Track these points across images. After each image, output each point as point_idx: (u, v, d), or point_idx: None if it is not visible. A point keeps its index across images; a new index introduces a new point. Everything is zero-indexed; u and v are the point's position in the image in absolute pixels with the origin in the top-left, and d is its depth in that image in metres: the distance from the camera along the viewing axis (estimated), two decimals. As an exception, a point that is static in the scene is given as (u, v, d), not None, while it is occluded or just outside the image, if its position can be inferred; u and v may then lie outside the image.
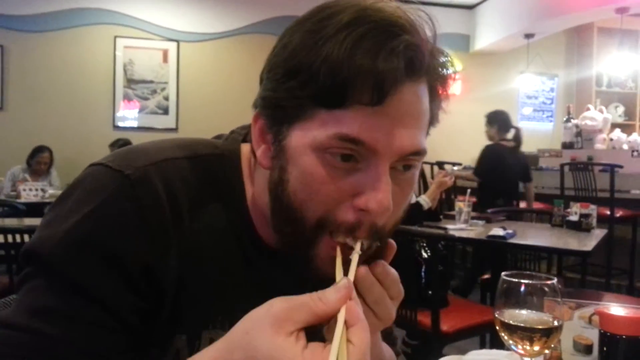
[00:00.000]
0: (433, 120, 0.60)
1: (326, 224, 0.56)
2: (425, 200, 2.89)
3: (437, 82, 0.58)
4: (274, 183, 0.58)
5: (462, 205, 2.97)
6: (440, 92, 0.59)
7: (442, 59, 0.58)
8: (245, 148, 0.67)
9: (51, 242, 0.56)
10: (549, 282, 0.69)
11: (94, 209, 0.56)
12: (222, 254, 0.63)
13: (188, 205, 0.61)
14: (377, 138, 0.53)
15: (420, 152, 0.57)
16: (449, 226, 2.83)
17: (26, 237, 2.29)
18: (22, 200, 3.98)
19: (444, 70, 0.59)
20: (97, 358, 0.54)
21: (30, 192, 4.18)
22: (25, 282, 0.56)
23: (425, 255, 2.44)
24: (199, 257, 0.61)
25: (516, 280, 0.70)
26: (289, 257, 0.61)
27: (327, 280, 0.60)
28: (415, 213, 2.78)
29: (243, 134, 0.69)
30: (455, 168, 3.63)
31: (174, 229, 0.59)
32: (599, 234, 2.83)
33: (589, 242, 2.59)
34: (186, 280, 0.60)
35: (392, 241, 0.62)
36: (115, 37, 5.79)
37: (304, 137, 0.55)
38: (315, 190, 0.55)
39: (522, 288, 0.69)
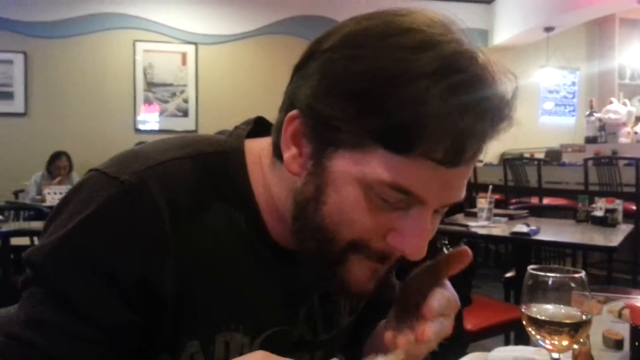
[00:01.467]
0: None
1: (357, 248, 0.55)
2: None
3: None
4: (305, 197, 0.55)
5: (484, 202, 2.93)
6: None
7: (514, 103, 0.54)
8: (250, 144, 0.64)
9: (44, 252, 0.55)
10: (576, 275, 0.68)
11: (86, 219, 0.54)
12: (231, 255, 0.60)
13: (190, 207, 0.58)
14: (430, 192, 0.52)
15: (461, 199, 0.56)
16: (471, 223, 2.80)
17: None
18: (48, 203, 4.04)
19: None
20: None
21: (55, 195, 4.26)
22: (25, 287, 0.56)
23: (447, 253, 2.41)
24: (204, 260, 0.58)
25: (543, 274, 0.68)
26: (311, 267, 0.59)
27: (351, 295, 0.60)
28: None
29: (247, 129, 0.66)
30: (479, 165, 3.59)
31: (174, 235, 0.56)
32: (625, 229, 2.76)
33: (615, 237, 2.54)
34: (192, 286, 0.58)
35: (466, 248, 0.61)
36: (135, 41, 5.87)
37: (352, 167, 0.52)
38: (352, 219, 0.53)
39: (550, 282, 0.68)
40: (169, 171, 0.58)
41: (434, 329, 0.56)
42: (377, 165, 0.50)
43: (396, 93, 0.48)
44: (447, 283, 0.62)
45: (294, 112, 0.56)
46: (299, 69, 0.57)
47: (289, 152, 0.57)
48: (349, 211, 0.53)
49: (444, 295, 0.59)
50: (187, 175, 0.59)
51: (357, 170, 0.51)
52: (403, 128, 0.49)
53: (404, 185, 0.51)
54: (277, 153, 0.59)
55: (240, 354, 0.61)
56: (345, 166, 0.52)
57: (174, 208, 0.56)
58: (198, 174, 0.60)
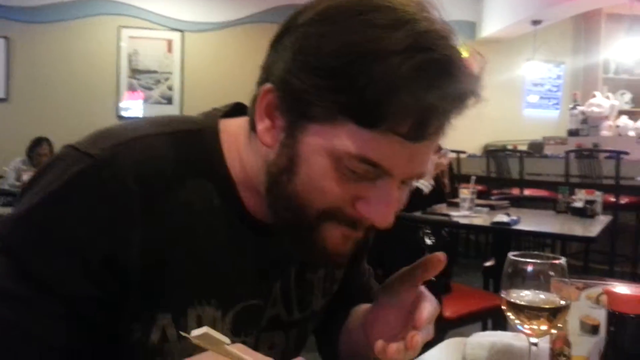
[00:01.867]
0: None
1: (328, 215, 0.57)
2: (424, 184, 2.87)
3: None
4: (278, 168, 0.57)
5: (467, 192, 2.96)
6: None
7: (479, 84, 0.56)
8: (227, 122, 0.65)
9: (11, 224, 0.55)
10: (556, 262, 0.69)
11: (54, 192, 0.54)
12: (206, 230, 0.61)
13: (163, 182, 0.58)
14: (396, 164, 0.54)
15: (425, 173, 0.59)
16: (453, 213, 2.82)
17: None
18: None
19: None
20: (49, 346, 0.53)
21: (35, 181, 4.19)
22: None
23: (429, 242, 2.44)
24: (177, 234, 0.58)
25: (523, 260, 0.69)
26: (287, 236, 0.60)
27: (328, 259, 0.61)
28: (416, 199, 2.76)
29: (224, 110, 0.67)
30: (463, 156, 3.61)
31: (144, 210, 0.56)
32: (603, 220, 2.81)
33: (594, 228, 2.58)
34: (163, 260, 0.58)
35: (441, 254, 0.65)
36: (120, 27, 5.78)
37: (323, 140, 0.53)
38: (323, 189, 0.55)
39: (529, 268, 0.69)
40: (142, 147, 0.58)
41: (422, 336, 0.62)
42: (346, 139, 0.52)
43: (367, 70, 0.50)
44: (425, 290, 0.68)
45: (268, 85, 0.57)
46: (275, 43, 0.58)
47: (262, 124, 0.58)
48: (320, 181, 0.55)
49: (432, 305, 0.66)
50: (160, 151, 0.59)
51: (327, 142, 0.53)
52: (372, 104, 0.50)
53: (371, 158, 0.53)
54: (253, 126, 0.60)
55: (213, 328, 0.62)
56: (316, 139, 0.54)
57: (145, 183, 0.56)
58: (172, 150, 0.60)
